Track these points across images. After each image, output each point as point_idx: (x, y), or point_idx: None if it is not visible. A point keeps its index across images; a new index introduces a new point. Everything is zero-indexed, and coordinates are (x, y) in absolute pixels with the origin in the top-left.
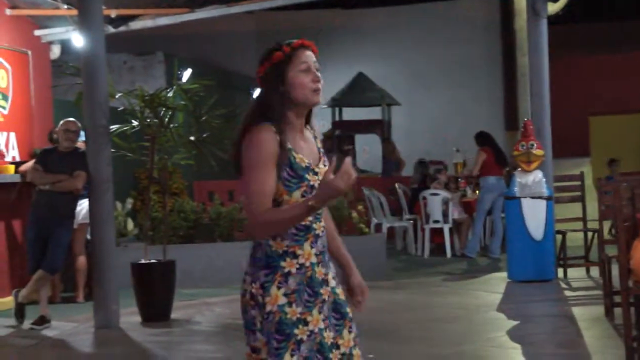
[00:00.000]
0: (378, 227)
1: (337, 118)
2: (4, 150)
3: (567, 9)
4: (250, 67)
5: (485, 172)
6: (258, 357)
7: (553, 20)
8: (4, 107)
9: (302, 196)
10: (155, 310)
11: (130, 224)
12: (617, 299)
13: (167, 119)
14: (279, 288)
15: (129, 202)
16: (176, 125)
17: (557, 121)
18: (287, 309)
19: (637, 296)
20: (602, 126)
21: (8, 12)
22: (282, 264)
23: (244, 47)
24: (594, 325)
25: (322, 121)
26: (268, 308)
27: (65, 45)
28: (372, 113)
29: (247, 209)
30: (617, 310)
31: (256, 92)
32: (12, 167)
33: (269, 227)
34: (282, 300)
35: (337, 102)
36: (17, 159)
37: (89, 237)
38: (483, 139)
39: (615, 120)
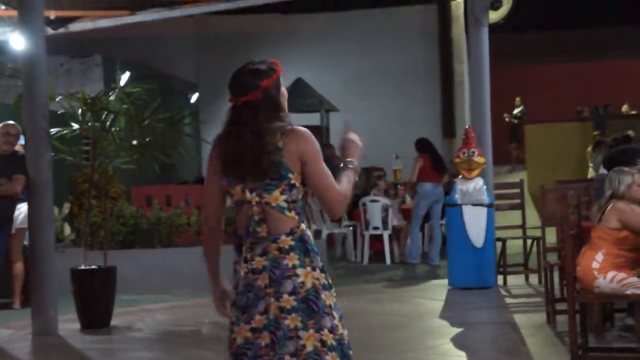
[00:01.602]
0: (317, 233)
1: None
2: None
3: (507, 19)
4: (190, 71)
5: (421, 179)
6: (337, 333)
7: (492, 28)
8: None
9: None
10: (95, 317)
11: (67, 229)
12: (559, 306)
13: (108, 123)
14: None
15: (66, 206)
16: (118, 129)
17: (492, 129)
18: None
19: (582, 304)
20: (537, 134)
21: None
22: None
23: (183, 50)
24: (536, 332)
25: None
26: (333, 288)
27: (2, 47)
28: (311, 119)
29: (334, 191)
30: (559, 318)
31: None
32: None
33: (347, 200)
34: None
35: None
36: None
37: (26, 242)
38: (422, 146)
39: (550, 128)
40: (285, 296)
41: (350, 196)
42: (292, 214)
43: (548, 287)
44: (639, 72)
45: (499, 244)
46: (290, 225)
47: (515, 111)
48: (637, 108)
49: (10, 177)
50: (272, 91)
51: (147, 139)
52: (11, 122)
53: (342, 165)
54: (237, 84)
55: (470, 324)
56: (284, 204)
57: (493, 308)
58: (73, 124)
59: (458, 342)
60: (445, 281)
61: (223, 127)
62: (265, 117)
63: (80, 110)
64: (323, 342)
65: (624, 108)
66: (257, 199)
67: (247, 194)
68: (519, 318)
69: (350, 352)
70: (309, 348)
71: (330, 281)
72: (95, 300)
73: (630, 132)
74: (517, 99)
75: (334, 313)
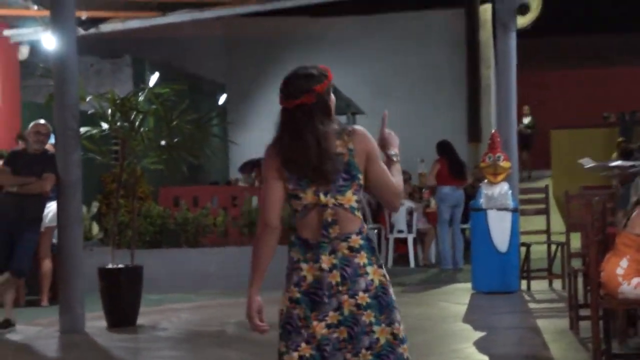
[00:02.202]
0: None
1: None
2: None
3: (535, 23)
4: (218, 72)
5: (440, 182)
6: (399, 328)
7: (520, 33)
8: None
9: None
10: (122, 315)
11: (95, 228)
12: (582, 312)
13: (137, 123)
14: None
15: (95, 205)
16: (147, 129)
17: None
18: None
19: (605, 310)
20: (562, 140)
21: None
22: None
23: (212, 52)
24: (559, 338)
25: None
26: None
27: (33, 47)
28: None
29: (393, 186)
30: (582, 323)
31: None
32: None
33: (403, 192)
34: None
35: None
36: None
37: (54, 240)
38: (442, 149)
39: (576, 134)
40: (361, 293)
41: (402, 187)
42: (359, 213)
43: (572, 292)
44: None
45: (523, 249)
46: (358, 225)
47: (526, 121)
48: None
49: (40, 176)
50: (325, 96)
51: (176, 140)
52: (42, 121)
53: (391, 153)
54: (291, 87)
55: (494, 328)
56: (355, 204)
57: (516, 313)
58: (102, 123)
59: (481, 346)
60: (469, 285)
61: (278, 130)
62: (320, 121)
63: (109, 111)
64: (394, 335)
65: None
66: (332, 201)
67: (322, 197)
68: (542, 323)
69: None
70: (383, 341)
71: (385, 274)
72: (121, 298)
73: None
74: (526, 108)
75: (396, 309)
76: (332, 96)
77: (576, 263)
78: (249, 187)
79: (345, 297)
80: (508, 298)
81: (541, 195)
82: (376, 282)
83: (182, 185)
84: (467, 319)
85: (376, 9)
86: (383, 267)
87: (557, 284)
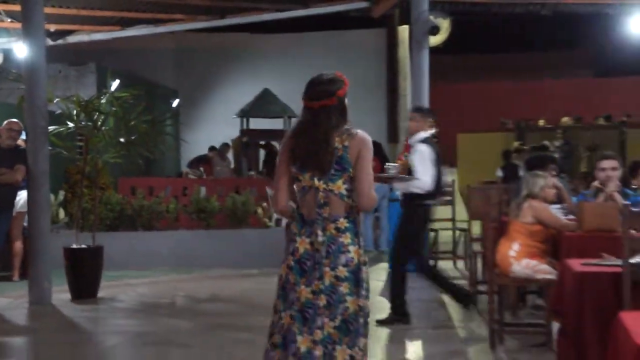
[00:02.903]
0: (278, 221)
1: (244, 127)
2: None
3: (445, 43)
4: (170, 79)
5: None
6: (364, 302)
7: (432, 51)
8: None
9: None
10: (84, 289)
11: (61, 213)
12: (481, 287)
13: (100, 123)
14: None
15: (61, 194)
16: (107, 128)
17: None
18: None
19: (500, 286)
20: (467, 142)
21: None
22: None
23: (165, 62)
24: (461, 309)
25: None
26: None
27: (7, 54)
28: (275, 124)
29: (371, 189)
30: (480, 297)
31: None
32: None
33: (374, 203)
34: None
35: (245, 113)
36: None
37: (25, 223)
38: (376, 149)
39: (478, 138)
40: (340, 267)
41: (375, 203)
42: (349, 200)
43: (472, 271)
44: (553, 92)
45: (432, 234)
46: (347, 209)
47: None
48: (552, 123)
49: (12, 168)
50: (343, 100)
51: (133, 137)
52: (14, 120)
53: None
54: (316, 90)
55: (407, 300)
56: (345, 192)
57: (425, 288)
58: (69, 123)
59: None
60: (387, 264)
61: (297, 124)
62: (336, 121)
63: (75, 111)
64: (360, 307)
65: (541, 122)
66: (324, 186)
67: (316, 182)
68: (447, 297)
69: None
70: (351, 310)
71: (365, 256)
72: (84, 274)
73: (546, 142)
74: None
75: (366, 285)
76: (347, 100)
77: (476, 246)
78: (197, 179)
79: (327, 269)
80: (419, 276)
81: (448, 189)
82: (356, 260)
83: (138, 177)
84: (383, 293)
85: (309, 27)
86: (363, 249)
87: (460, 264)
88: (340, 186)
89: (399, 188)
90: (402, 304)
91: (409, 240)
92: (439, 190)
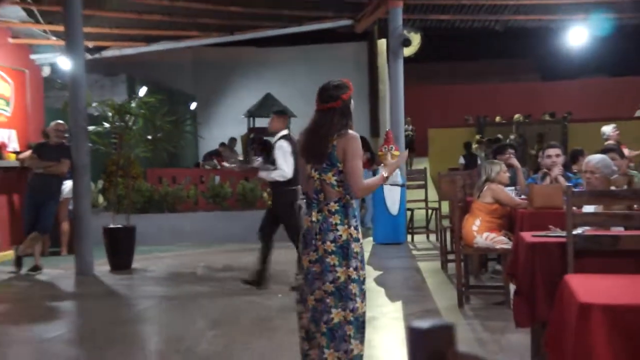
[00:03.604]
0: None
1: (251, 125)
2: (7, 142)
3: (416, 54)
4: (188, 86)
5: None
6: (359, 272)
7: (406, 60)
8: (6, 111)
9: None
10: (120, 261)
11: (100, 199)
12: (449, 257)
13: (130, 123)
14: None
15: (100, 182)
16: (137, 127)
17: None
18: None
19: (465, 255)
20: (437, 135)
21: (10, 40)
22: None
23: (184, 71)
24: (433, 275)
25: (243, 126)
26: (360, 241)
27: (53, 67)
28: None
29: (358, 180)
30: (449, 265)
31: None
32: (13, 155)
33: (367, 190)
34: None
35: (251, 114)
36: (17, 149)
37: (70, 207)
38: (364, 143)
39: (446, 132)
40: (328, 243)
41: (369, 190)
42: (340, 189)
43: (442, 243)
44: (506, 93)
45: (408, 213)
46: (338, 196)
47: (408, 130)
48: (506, 119)
49: (59, 161)
50: (347, 102)
51: (159, 135)
52: (60, 121)
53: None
54: (325, 94)
55: (388, 268)
56: (335, 182)
57: (404, 257)
58: (105, 123)
59: (379, 281)
60: (371, 238)
61: (308, 123)
62: (339, 121)
63: (110, 114)
64: (349, 276)
65: (497, 118)
66: (317, 176)
67: (313, 172)
68: (422, 265)
69: (364, 287)
70: (342, 279)
71: (360, 236)
72: (120, 250)
73: (499, 135)
74: (408, 119)
75: (358, 257)
76: (353, 103)
77: (445, 222)
78: (212, 169)
79: (320, 243)
80: (398, 247)
81: (421, 175)
82: (344, 237)
83: (163, 168)
84: (369, 262)
85: (303, 41)
86: (356, 228)
87: (432, 237)
88: (331, 177)
89: (264, 177)
90: (265, 270)
91: (289, 218)
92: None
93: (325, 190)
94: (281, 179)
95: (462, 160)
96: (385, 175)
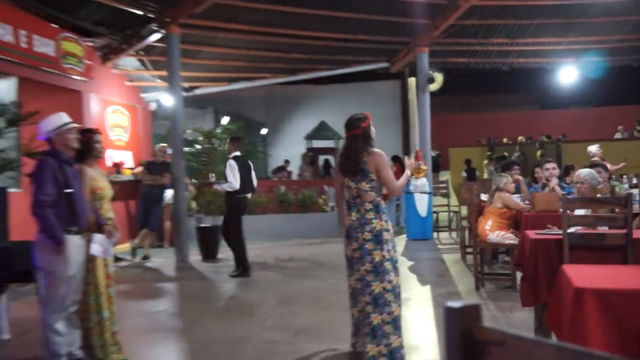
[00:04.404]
0: (332, 207)
1: (310, 146)
2: (124, 161)
3: (440, 89)
4: (260, 116)
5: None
6: (392, 253)
7: (431, 94)
8: (124, 137)
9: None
10: (209, 253)
11: (193, 204)
12: (467, 250)
13: (216, 145)
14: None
15: (193, 191)
16: (221, 148)
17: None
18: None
19: (480, 249)
20: (456, 153)
21: (127, 83)
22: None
23: (257, 104)
24: (454, 264)
25: (302, 147)
26: (390, 230)
27: (158, 103)
28: (329, 144)
29: (392, 183)
30: (468, 257)
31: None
32: (129, 171)
33: (401, 187)
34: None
35: (310, 137)
36: (132, 166)
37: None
38: (395, 158)
39: (463, 150)
40: (366, 233)
41: (402, 187)
42: (372, 193)
43: (462, 239)
44: (512, 120)
45: (434, 215)
46: (370, 199)
47: (434, 154)
48: (511, 140)
49: (162, 175)
50: (366, 129)
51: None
52: (164, 144)
53: (405, 173)
54: (349, 125)
55: (418, 259)
56: (368, 188)
57: (431, 251)
58: (197, 145)
59: (411, 269)
60: (405, 235)
61: (342, 147)
62: (362, 144)
63: (200, 138)
64: (383, 257)
65: (504, 140)
66: (354, 185)
67: (350, 183)
68: (445, 256)
69: (397, 265)
70: (377, 259)
71: (390, 227)
72: (209, 244)
73: (505, 154)
74: (434, 145)
75: (389, 243)
76: (373, 128)
77: (464, 223)
78: (278, 181)
79: (360, 234)
80: (426, 242)
81: (445, 185)
82: (377, 228)
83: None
84: (403, 254)
85: (350, 80)
86: (386, 221)
87: (454, 234)
88: (365, 185)
89: (218, 189)
90: (244, 262)
91: (233, 221)
92: (247, 188)
93: (361, 195)
94: (230, 189)
95: (464, 174)
96: (407, 174)
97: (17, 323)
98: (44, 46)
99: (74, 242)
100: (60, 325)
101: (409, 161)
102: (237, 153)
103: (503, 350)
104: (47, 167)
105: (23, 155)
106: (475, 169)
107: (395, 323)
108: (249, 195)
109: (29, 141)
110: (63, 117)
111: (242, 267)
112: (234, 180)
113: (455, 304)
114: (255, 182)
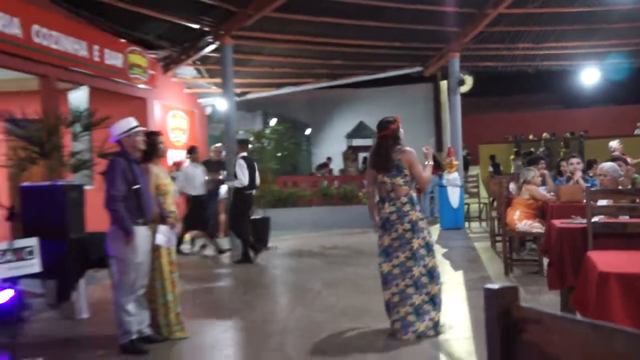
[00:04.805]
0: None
1: (350, 144)
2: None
3: (470, 91)
4: (305, 117)
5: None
6: (427, 239)
7: (462, 96)
8: (183, 138)
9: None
10: (260, 242)
11: None
12: (497, 238)
13: (266, 144)
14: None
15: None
16: (270, 147)
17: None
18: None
19: (509, 237)
20: (485, 149)
21: (185, 90)
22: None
23: (302, 107)
24: (485, 251)
25: (343, 145)
26: (424, 219)
27: (213, 107)
28: (368, 142)
29: (423, 178)
30: (497, 245)
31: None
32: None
33: (428, 178)
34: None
35: (350, 136)
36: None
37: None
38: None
39: (492, 147)
40: (405, 223)
41: (429, 178)
42: (406, 187)
43: (492, 228)
44: (537, 118)
45: (466, 206)
46: (405, 192)
47: (464, 153)
48: (537, 137)
49: (218, 172)
50: (396, 131)
51: (285, 152)
52: (219, 144)
53: (426, 163)
54: (380, 126)
55: (451, 247)
56: (402, 183)
57: (463, 239)
58: (249, 145)
59: (445, 256)
60: (439, 225)
61: (373, 146)
62: (392, 143)
63: (251, 138)
64: (419, 244)
65: (530, 136)
66: (389, 180)
67: (385, 178)
68: (476, 244)
69: (433, 248)
70: (415, 246)
71: (423, 216)
72: (260, 233)
73: (532, 149)
74: (464, 144)
75: (424, 230)
76: (402, 130)
77: (493, 213)
78: (321, 176)
79: (399, 225)
80: (458, 231)
81: (475, 179)
82: (414, 218)
83: (288, 175)
84: (438, 242)
85: (386, 83)
86: (419, 212)
87: (484, 224)
88: (399, 180)
89: (230, 185)
90: (247, 252)
91: (240, 215)
92: (253, 185)
93: (395, 190)
94: (240, 186)
95: (490, 169)
96: (430, 162)
97: (94, 304)
98: (113, 59)
99: (141, 233)
100: (130, 307)
101: (426, 150)
102: (245, 154)
103: (539, 328)
104: (118, 166)
105: (96, 156)
106: (499, 164)
107: (434, 300)
108: (254, 192)
109: (101, 143)
110: (131, 122)
111: (247, 255)
112: (243, 177)
113: (494, 285)
114: (258, 179)
